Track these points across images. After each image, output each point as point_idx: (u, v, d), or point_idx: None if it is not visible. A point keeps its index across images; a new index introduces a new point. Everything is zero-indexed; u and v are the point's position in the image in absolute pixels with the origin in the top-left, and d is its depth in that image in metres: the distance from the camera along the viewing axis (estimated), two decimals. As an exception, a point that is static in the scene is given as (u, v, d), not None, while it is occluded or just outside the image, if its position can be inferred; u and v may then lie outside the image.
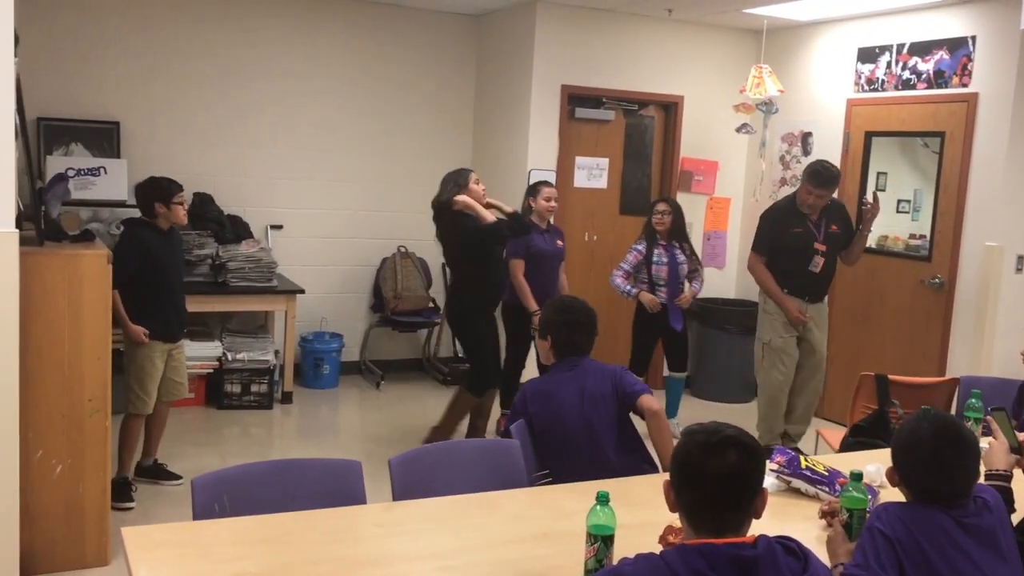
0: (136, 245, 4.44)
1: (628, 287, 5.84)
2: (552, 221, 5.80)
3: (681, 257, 5.88)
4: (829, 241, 5.44)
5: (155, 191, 4.50)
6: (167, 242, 4.56)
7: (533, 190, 5.68)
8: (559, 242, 5.71)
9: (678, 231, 5.91)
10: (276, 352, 6.40)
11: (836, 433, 4.77)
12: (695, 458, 1.84)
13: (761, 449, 1.88)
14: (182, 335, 4.75)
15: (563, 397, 3.28)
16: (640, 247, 5.89)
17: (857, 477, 2.34)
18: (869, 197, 5.60)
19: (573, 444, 3.24)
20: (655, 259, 5.83)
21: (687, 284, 5.99)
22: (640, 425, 3.31)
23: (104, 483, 3.82)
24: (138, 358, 4.52)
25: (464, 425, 5.44)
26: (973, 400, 3.36)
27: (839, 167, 5.60)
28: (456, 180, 5.21)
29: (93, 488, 3.79)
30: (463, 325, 5.38)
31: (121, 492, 4.47)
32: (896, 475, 2.23)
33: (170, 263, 4.58)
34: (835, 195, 5.59)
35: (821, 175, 5.30)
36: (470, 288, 5.29)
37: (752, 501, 1.83)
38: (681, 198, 6.80)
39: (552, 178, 6.64)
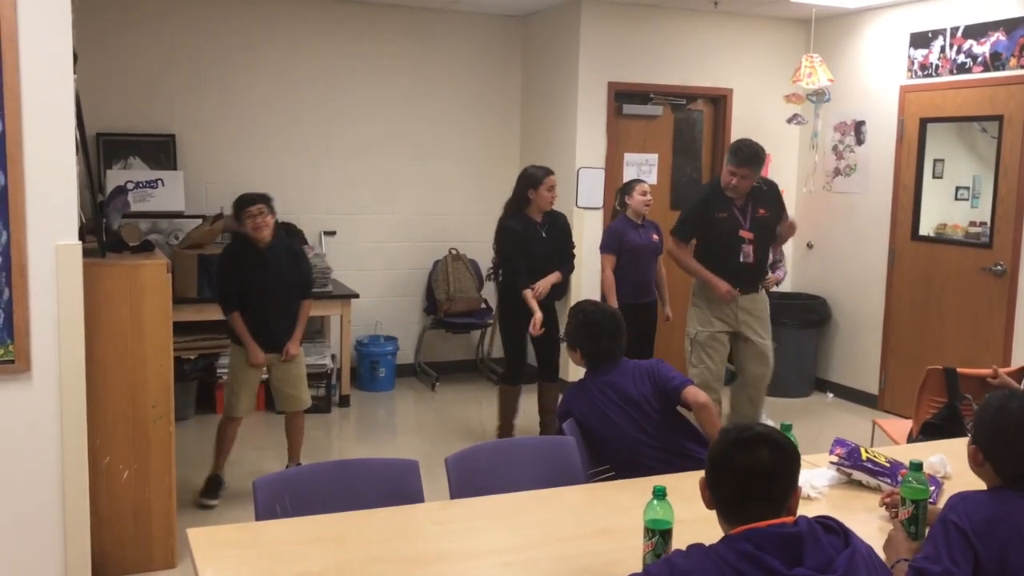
0: (228, 262, 4.67)
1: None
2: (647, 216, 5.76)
3: None
4: (755, 226, 5.04)
5: (235, 206, 4.64)
6: (264, 256, 4.60)
7: (627, 188, 5.74)
8: (655, 236, 5.73)
9: None
10: (333, 356, 6.48)
11: (896, 424, 4.68)
12: (727, 454, 1.87)
13: (794, 448, 1.89)
14: (283, 346, 4.73)
15: (604, 400, 3.28)
16: None
17: (917, 467, 2.30)
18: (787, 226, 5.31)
19: (625, 442, 3.23)
20: None
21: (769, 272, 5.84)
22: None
23: (169, 486, 3.90)
24: (232, 364, 4.78)
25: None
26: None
27: (762, 146, 5.09)
28: (530, 182, 5.27)
29: (159, 492, 3.87)
30: (499, 320, 5.64)
31: (211, 489, 4.71)
32: (980, 455, 2.14)
33: (263, 277, 4.62)
34: (768, 177, 5.32)
35: (742, 152, 4.91)
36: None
37: (784, 496, 1.84)
38: (732, 192, 6.72)
39: (601, 176, 6.64)
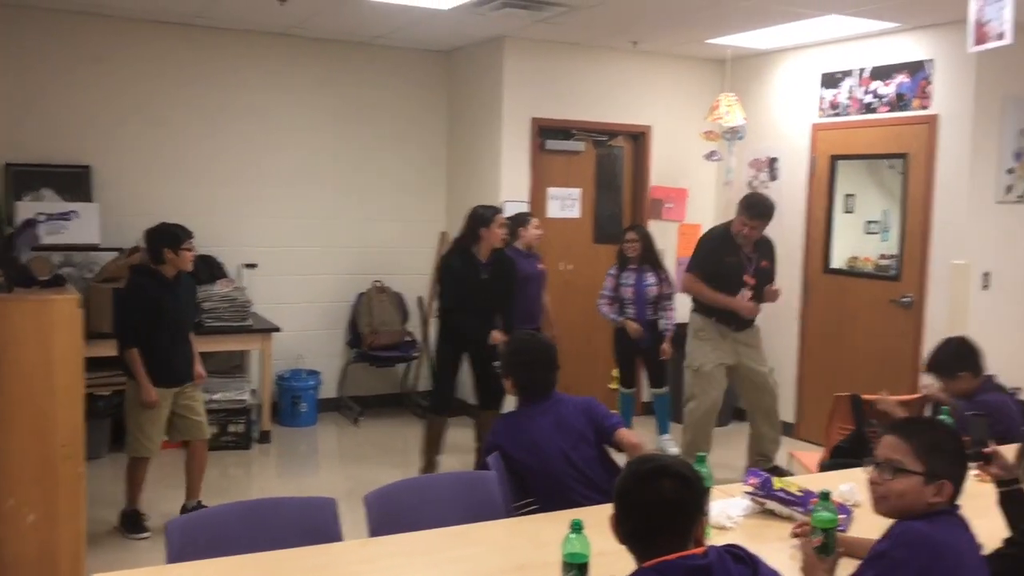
0: (139, 295, 4.55)
1: (614, 315, 6.19)
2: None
3: (650, 280, 6.14)
4: (758, 276, 5.50)
5: (165, 237, 4.58)
6: (172, 289, 4.61)
7: (521, 220, 5.93)
8: (540, 265, 6.02)
9: (649, 257, 6.19)
10: (253, 391, 6.37)
11: (811, 455, 4.80)
12: (632, 488, 1.89)
13: (698, 477, 1.91)
14: (190, 376, 4.77)
15: (537, 430, 3.28)
16: (613, 271, 6.24)
17: (825, 496, 2.36)
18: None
19: (553, 475, 3.23)
20: (622, 281, 6.18)
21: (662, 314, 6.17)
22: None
23: (78, 529, 3.77)
24: (135, 402, 4.59)
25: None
26: (943, 417, 3.40)
27: (773, 200, 5.61)
28: (480, 221, 5.35)
29: (68, 535, 3.74)
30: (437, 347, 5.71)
31: (134, 523, 4.67)
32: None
33: (175, 310, 4.62)
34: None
35: (757, 207, 5.40)
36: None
37: (690, 527, 1.86)
38: (652, 226, 6.87)
39: (527, 209, 6.71)
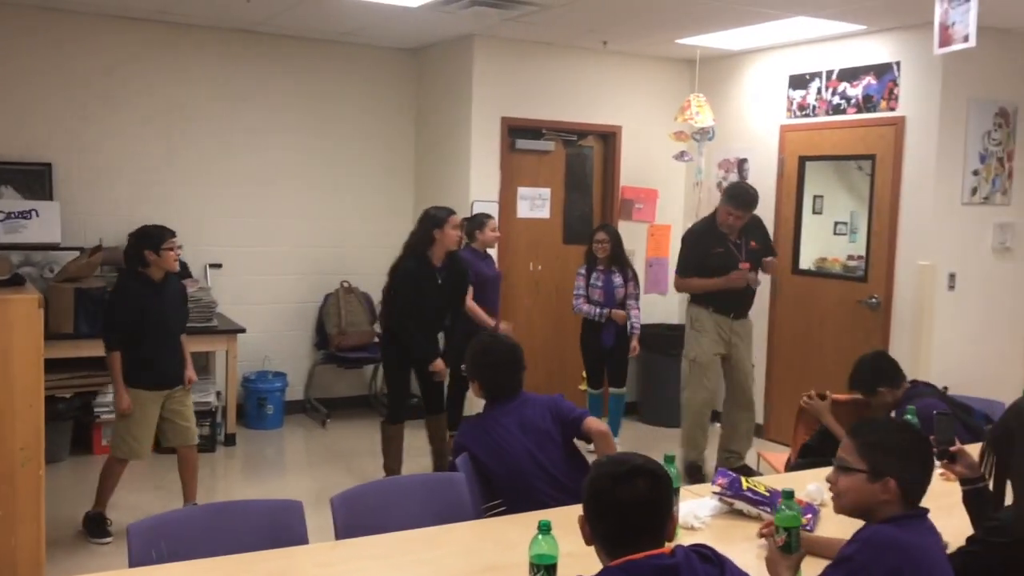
0: (125, 298, 4.49)
1: (595, 309, 6.09)
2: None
3: (618, 281, 6.13)
4: (751, 258, 5.57)
5: (145, 240, 4.50)
6: (159, 291, 4.54)
7: (478, 222, 5.88)
8: (497, 267, 6.08)
9: (617, 257, 6.17)
10: (218, 393, 6.28)
11: (779, 456, 4.81)
12: (606, 489, 1.87)
13: (667, 475, 1.92)
14: (180, 380, 4.70)
15: (502, 431, 3.26)
16: (583, 271, 6.22)
17: (789, 495, 2.36)
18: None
19: (520, 476, 3.21)
20: (592, 281, 6.15)
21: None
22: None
23: (38, 534, 3.69)
24: (116, 406, 4.54)
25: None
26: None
27: (757, 190, 5.70)
28: (434, 222, 5.24)
29: (26, 540, 3.65)
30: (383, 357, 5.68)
31: (98, 527, 4.60)
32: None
33: (162, 312, 4.55)
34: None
35: (742, 197, 5.48)
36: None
37: (663, 526, 1.87)
38: (622, 226, 6.86)
39: (495, 209, 6.67)
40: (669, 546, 1.86)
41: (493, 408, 3.36)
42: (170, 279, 4.63)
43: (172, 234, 4.56)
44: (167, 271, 4.56)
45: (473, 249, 5.81)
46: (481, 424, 3.34)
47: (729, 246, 5.54)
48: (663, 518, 1.87)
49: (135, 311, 4.46)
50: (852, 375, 4.13)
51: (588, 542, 1.91)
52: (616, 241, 6.16)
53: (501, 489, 3.22)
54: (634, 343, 6.18)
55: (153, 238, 4.49)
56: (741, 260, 5.53)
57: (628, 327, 6.14)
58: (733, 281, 5.51)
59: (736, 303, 5.62)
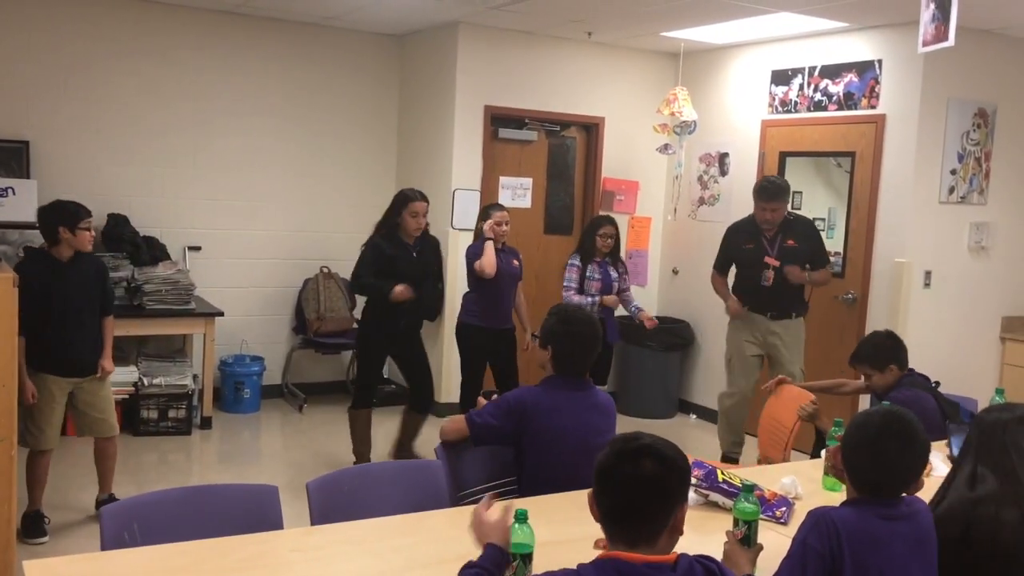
0: (25, 279, 4.06)
1: (588, 299, 5.83)
2: (506, 243, 5.66)
3: (614, 274, 5.98)
4: (783, 255, 5.48)
5: (60, 215, 4.26)
6: (65, 272, 4.30)
7: (485, 213, 5.63)
8: (515, 262, 5.66)
9: (616, 250, 6.06)
10: (195, 376, 6.25)
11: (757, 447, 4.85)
12: (612, 465, 1.84)
13: (681, 459, 1.85)
14: (92, 368, 4.46)
15: (567, 418, 3.11)
16: (576, 263, 5.95)
17: (749, 489, 2.38)
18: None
19: (564, 466, 3.04)
20: (588, 274, 5.90)
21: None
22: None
23: (9, 516, 3.66)
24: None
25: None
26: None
27: (787, 181, 5.74)
28: (400, 203, 5.20)
29: (-2, 521, 3.63)
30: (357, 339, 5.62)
31: (34, 526, 4.34)
32: (842, 463, 2.27)
33: (67, 295, 4.31)
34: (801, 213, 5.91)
35: (768, 190, 5.48)
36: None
37: (668, 513, 1.80)
38: (603, 217, 6.85)
39: (476, 198, 6.66)
40: (674, 553, 1.80)
41: (567, 391, 3.17)
42: (82, 258, 4.37)
43: (88, 213, 4.35)
44: (78, 250, 4.32)
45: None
46: (553, 403, 3.12)
47: (762, 242, 5.54)
48: (668, 504, 1.79)
49: (36, 293, 4.13)
50: (863, 350, 4.08)
51: (596, 520, 1.88)
52: (617, 235, 6.03)
53: (533, 467, 3.07)
54: (647, 313, 6.04)
55: (70, 215, 4.25)
56: (769, 255, 5.50)
57: (632, 310, 6.05)
58: (727, 306, 5.70)
59: (771, 302, 5.54)
